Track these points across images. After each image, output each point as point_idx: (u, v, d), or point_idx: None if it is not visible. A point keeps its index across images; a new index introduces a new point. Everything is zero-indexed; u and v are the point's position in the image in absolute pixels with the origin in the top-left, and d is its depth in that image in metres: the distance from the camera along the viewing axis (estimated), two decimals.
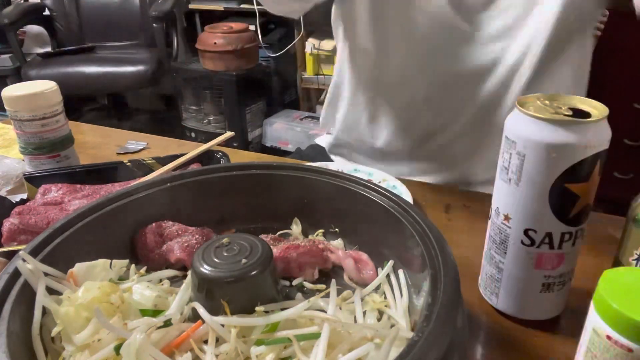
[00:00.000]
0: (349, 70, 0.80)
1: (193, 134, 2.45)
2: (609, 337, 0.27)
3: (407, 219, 0.40)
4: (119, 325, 0.33)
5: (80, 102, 2.94)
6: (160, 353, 0.32)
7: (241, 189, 0.50)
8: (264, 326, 0.34)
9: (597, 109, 0.38)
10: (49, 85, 0.67)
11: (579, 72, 0.73)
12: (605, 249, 0.46)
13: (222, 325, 0.34)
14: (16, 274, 0.35)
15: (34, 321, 0.33)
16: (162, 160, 0.65)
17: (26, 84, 0.68)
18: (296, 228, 0.50)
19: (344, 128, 0.84)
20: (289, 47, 2.38)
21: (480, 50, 0.69)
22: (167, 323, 0.35)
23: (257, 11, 2.29)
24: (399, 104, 0.76)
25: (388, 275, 0.42)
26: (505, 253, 0.42)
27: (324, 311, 0.37)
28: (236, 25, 2.25)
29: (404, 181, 0.63)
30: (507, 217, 0.40)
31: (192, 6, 2.59)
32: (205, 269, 0.36)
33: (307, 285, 0.44)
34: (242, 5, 2.43)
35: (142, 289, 0.37)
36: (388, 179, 0.64)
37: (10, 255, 0.45)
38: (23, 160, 0.69)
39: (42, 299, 0.34)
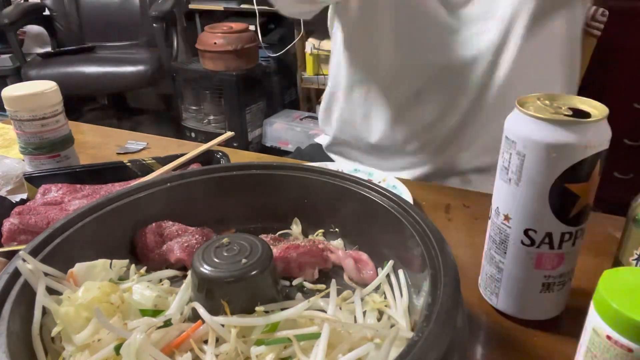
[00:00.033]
0: (343, 70, 0.81)
1: (193, 134, 2.45)
2: (609, 337, 0.27)
3: (407, 219, 0.40)
4: (119, 325, 0.33)
5: (80, 102, 2.94)
6: (160, 353, 0.32)
7: (241, 189, 0.49)
8: (264, 326, 0.34)
9: (597, 109, 0.38)
10: (49, 85, 0.67)
11: (570, 46, 0.74)
12: (605, 249, 0.46)
13: (222, 325, 0.34)
14: (16, 274, 0.35)
15: (34, 321, 0.33)
16: (162, 160, 0.65)
17: (26, 84, 0.68)
18: (296, 228, 0.50)
19: (340, 126, 0.86)
20: (289, 47, 2.38)
21: (464, 36, 0.70)
22: (167, 323, 0.35)
23: (257, 11, 2.29)
24: (392, 99, 0.78)
25: (388, 275, 0.42)
26: (505, 253, 0.42)
27: (324, 311, 0.37)
28: (236, 25, 2.25)
29: (404, 181, 0.63)
30: (507, 217, 0.40)
31: (192, 6, 2.59)
32: (205, 269, 0.36)
33: (307, 285, 0.44)
34: (242, 5, 2.43)
35: (142, 289, 0.37)
36: (388, 179, 0.64)
37: (10, 255, 0.45)
38: (23, 160, 0.69)
39: (42, 299, 0.34)
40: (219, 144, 0.68)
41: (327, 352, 0.32)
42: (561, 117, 0.36)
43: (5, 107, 0.66)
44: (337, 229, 0.49)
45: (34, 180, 0.62)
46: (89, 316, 0.33)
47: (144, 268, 0.43)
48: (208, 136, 2.33)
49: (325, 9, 0.83)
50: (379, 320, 0.38)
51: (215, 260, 0.37)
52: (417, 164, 0.80)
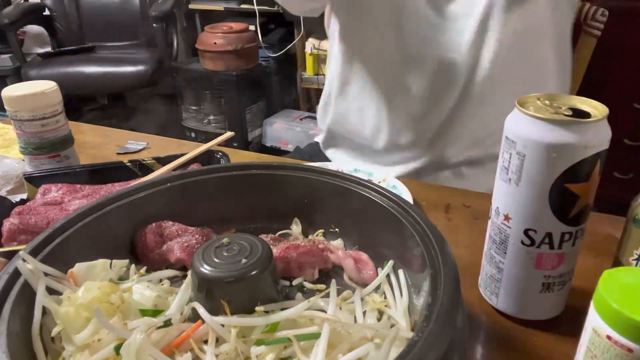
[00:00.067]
0: (338, 65, 0.83)
1: (193, 134, 2.45)
2: (609, 337, 0.27)
3: (407, 219, 0.40)
4: (119, 325, 0.33)
5: (80, 102, 2.93)
6: (160, 353, 0.32)
7: (241, 189, 0.49)
8: (264, 326, 0.34)
9: (597, 109, 0.38)
10: (49, 85, 0.67)
11: (559, 44, 0.75)
12: (605, 249, 0.46)
13: (222, 325, 0.34)
14: (16, 274, 0.35)
15: (34, 321, 0.33)
16: (162, 160, 0.65)
17: (26, 84, 0.68)
18: (296, 228, 0.50)
19: (335, 121, 0.88)
20: (289, 47, 2.38)
21: (449, 31, 0.72)
22: (167, 323, 0.35)
23: (257, 11, 2.29)
24: (384, 93, 0.80)
25: (388, 275, 0.42)
26: (505, 253, 0.42)
27: (324, 311, 0.37)
28: (236, 25, 2.25)
29: (404, 181, 0.63)
30: (507, 217, 0.40)
31: (192, 6, 2.59)
32: (205, 269, 0.36)
33: (307, 285, 0.44)
34: (242, 5, 2.43)
35: (142, 289, 0.37)
36: (388, 179, 0.64)
37: (10, 255, 0.45)
38: (23, 160, 0.69)
39: (42, 299, 0.34)
40: (219, 144, 0.68)
41: (327, 352, 0.32)
42: (561, 117, 0.36)
43: (5, 107, 0.66)
44: (337, 229, 0.49)
45: (34, 180, 0.62)
46: (89, 316, 0.33)
47: (144, 268, 0.43)
48: (208, 136, 2.33)
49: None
50: (379, 320, 0.38)
51: (215, 260, 0.37)
52: (410, 158, 0.81)
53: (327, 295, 0.38)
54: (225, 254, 0.37)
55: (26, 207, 0.55)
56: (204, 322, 0.34)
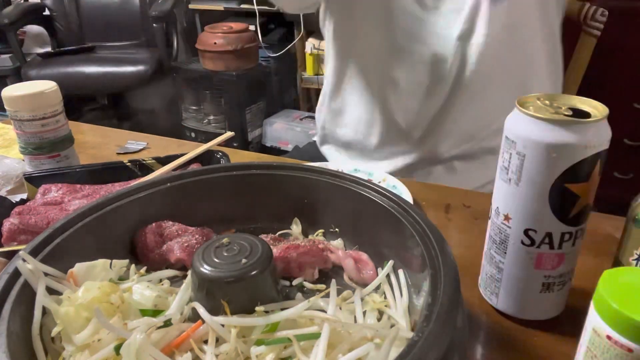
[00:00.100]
0: (333, 62, 0.85)
1: (193, 134, 2.44)
2: (609, 337, 0.27)
3: (407, 219, 0.40)
4: (119, 325, 0.33)
5: (80, 102, 2.93)
6: (160, 353, 0.32)
7: (241, 189, 0.49)
8: (264, 326, 0.34)
9: (597, 109, 0.38)
10: (49, 85, 0.67)
11: (549, 41, 0.76)
12: (605, 249, 0.46)
13: (222, 325, 0.34)
14: (16, 274, 0.35)
15: (34, 321, 0.33)
16: (162, 160, 0.65)
17: (26, 84, 0.68)
18: (296, 228, 0.50)
19: (330, 118, 0.89)
20: (289, 47, 2.38)
21: (438, 27, 0.73)
22: (167, 323, 0.35)
23: (257, 11, 2.29)
24: (377, 89, 0.81)
25: (388, 275, 0.42)
26: (505, 253, 0.42)
27: (324, 311, 0.37)
28: (236, 25, 2.25)
29: (404, 181, 0.63)
30: (507, 217, 0.40)
31: (192, 6, 2.59)
32: (205, 269, 0.36)
33: (307, 285, 0.44)
34: (242, 5, 2.43)
35: (142, 289, 0.37)
36: (388, 179, 0.64)
37: (10, 255, 0.45)
38: (23, 160, 0.69)
39: (42, 299, 0.34)
40: (219, 144, 0.68)
41: (327, 352, 0.32)
42: (561, 117, 0.36)
43: (5, 107, 0.66)
44: (337, 229, 0.49)
45: (34, 180, 0.62)
46: (89, 316, 0.33)
47: (144, 268, 0.43)
48: (208, 136, 2.33)
49: None
50: (379, 320, 0.38)
51: (215, 260, 0.37)
52: (403, 153, 0.82)
53: (327, 295, 0.38)
54: (225, 254, 0.37)
55: (26, 207, 0.55)
56: (204, 322, 0.34)
